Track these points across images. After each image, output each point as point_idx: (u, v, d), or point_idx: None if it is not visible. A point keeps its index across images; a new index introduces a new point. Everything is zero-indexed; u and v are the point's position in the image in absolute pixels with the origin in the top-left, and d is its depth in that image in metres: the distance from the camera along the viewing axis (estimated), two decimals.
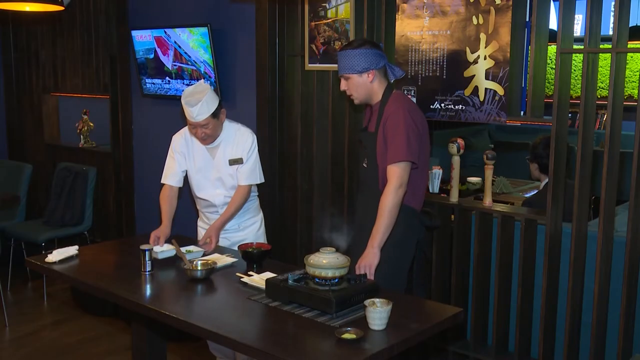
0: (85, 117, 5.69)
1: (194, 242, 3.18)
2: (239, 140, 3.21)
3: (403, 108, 2.77)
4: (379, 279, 2.64)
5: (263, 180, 3.29)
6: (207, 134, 3.11)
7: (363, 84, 2.82)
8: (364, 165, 2.95)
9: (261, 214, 3.46)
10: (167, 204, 3.24)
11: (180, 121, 4.88)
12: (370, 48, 2.79)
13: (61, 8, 3.59)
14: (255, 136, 3.26)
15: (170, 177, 3.27)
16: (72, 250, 2.92)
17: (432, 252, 3.49)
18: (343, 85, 2.86)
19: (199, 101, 3.01)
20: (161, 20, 4.83)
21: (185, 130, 3.28)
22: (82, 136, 5.71)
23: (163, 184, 3.29)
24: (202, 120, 3.04)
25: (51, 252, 2.88)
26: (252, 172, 3.22)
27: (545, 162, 3.46)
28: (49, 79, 5.89)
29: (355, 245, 2.93)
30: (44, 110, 6.01)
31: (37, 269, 2.88)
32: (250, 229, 3.36)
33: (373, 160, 2.85)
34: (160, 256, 2.85)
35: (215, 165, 3.22)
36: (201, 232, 3.41)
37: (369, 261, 2.65)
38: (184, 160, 3.26)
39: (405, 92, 3.52)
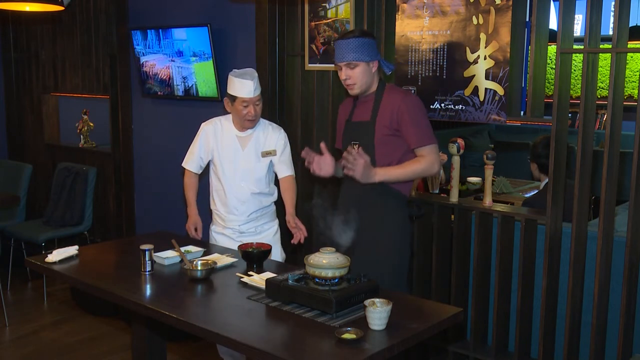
0: (85, 117, 5.69)
1: (194, 242, 3.18)
2: (271, 133, 3.30)
3: (413, 96, 2.89)
4: (386, 272, 2.75)
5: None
6: (258, 113, 3.20)
7: (369, 73, 2.86)
8: None
9: (277, 220, 3.46)
10: (192, 191, 3.39)
11: (181, 121, 4.90)
12: (373, 38, 2.87)
13: (61, 8, 3.59)
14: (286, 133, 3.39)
15: (191, 162, 3.36)
16: (72, 250, 2.92)
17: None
18: (345, 74, 2.85)
19: (254, 77, 3.15)
20: (161, 20, 4.83)
21: (215, 120, 3.32)
22: (82, 136, 5.71)
23: (184, 169, 3.40)
24: (258, 95, 3.15)
25: (51, 252, 2.88)
26: (291, 162, 3.37)
27: (545, 162, 3.47)
28: (49, 79, 5.89)
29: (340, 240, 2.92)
30: (44, 110, 6.01)
31: (37, 269, 2.88)
32: (266, 233, 3.36)
33: (368, 148, 2.86)
34: (166, 262, 2.83)
35: (244, 156, 3.25)
36: (215, 237, 3.37)
37: (362, 169, 2.68)
38: (209, 149, 3.29)
39: None
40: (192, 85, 4.64)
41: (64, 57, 5.69)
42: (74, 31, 5.54)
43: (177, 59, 4.68)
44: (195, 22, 4.52)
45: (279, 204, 3.41)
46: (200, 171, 3.40)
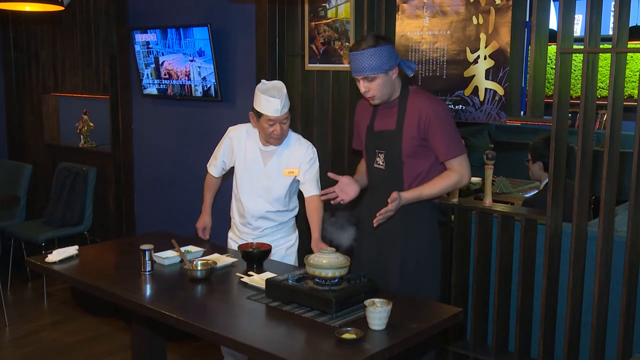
0: (85, 117, 5.69)
1: (194, 242, 3.17)
2: (297, 150, 3.06)
3: (441, 102, 2.79)
4: (419, 280, 2.75)
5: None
6: (285, 131, 2.99)
7: (389, 83, 2.71)
8: (377, 166, 2.86)
9: (296, 233, 3.27)
10: (209, 193, 3.31)
11: (181, 121, 4.89)
12: (389, 44, 2.70)
13: (61, 8, 3.59)
14: (315, 150, 3.12)
15: (213, 167, 3.24)
16: (72, 250, 2.92)
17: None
18: (364, 87, 2.70)
19: (283, 94, 2.92)
20: (161, 20, 4.83)
21: (242, 128, 3.14)
22: (82, 136, 5.71)
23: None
24: (286, 113, 2.93)
25: (51, 252, 2.88)
26: (317, 181, 3.08)
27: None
28: (49, 79, 5.89)
29: (361, 250, 2.93)
30: (44, 110, 6.01)
31: (37, 269, 2.88)
32: (281, 247, 3.17)
33: (395, 159, 2.78)
34: (166, 262, 2.83)
35: (265, 172, 3.06)
36: (230, 244, 3.27)
37: (390, 207, 2.61)
38: (232, 156, 3.14)
39: None
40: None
41: (64, 57, 5.69)
42: (74, 31, 5.54)
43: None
44: (195, 22, 4.52)
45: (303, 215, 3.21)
46: (222, 174, 3.27)
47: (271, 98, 2.89)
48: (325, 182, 3.37)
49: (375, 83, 2.68)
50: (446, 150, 2.70)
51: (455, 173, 2.72)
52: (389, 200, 2.60)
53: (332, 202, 2.83)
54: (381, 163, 2.84)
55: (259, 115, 2.95)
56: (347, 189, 2.82)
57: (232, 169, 3.22)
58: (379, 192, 2.84)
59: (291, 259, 3.21)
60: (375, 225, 2.67)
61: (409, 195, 2.68)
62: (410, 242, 2.79)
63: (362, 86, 2.71)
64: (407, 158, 2.75)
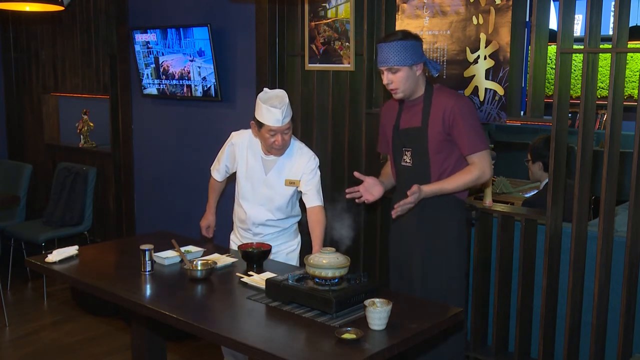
0: (85, 117, 5.70)
1: (194, 242, 3.17)
2: (299, 160, 3.01)
3: (465, 98, 2.82)
4: (445, 279, 2.77)
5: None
6: (287, 141, 2.93)
7: (412, 77, 2.76)
8: (404, 164, 2.89)
9: (298, 239, 3.25)
10: (213, 194, 3.32)
11: (181, 121, 4.89)
12: (417, 40, 2.76)
13: (61, 8, 3.59)
14: (318, 160, 3.07)
15: (216, 171, 3.23)
16: (72, 250, 2.92)
17: None
18: (387, 79, 2.75)
19: (285, 103, 2.86)
20: (161, 20, 4.83)
21: (245, 135, 3.09)
22: (82, 136, 5.71)
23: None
24: (287, 123, 2.88)
25: (51, 252, 2.88)
26: (319, 192, 3.02)
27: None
28: (49, 79, 5.89)
29: (395, 251, 2.96)
30: (44, 110, 6.01)
31: (37, 269, 2.88)
32: (281, 252, 3.15)
33: (422, 155, 2.81)
34: (166, 262, 2.83)
35: (266, 182, 3.03)
36: (233, 246, 3.25)
37: (409, 199, 2.64)
38: (235, 162, 3.11)
39: None
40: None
41: (64, 57, 5.69)
42: (74, 31, 5.54)
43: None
44: (195, 22, 4.52)
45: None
46: (225, 177, 3.25)
47: (272, 108, 2.83)
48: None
49: (398, 75, 2.73)
50: (469, 144, 2.73)
51: (477, 168, 2.74)
52: (408, 193, 2.62)
53: (356, 201, 2.85)
54: (408, 160, 2.87)
55: (260, 125, 2.90)
56: (372, 189, 2.84)
57: (235, 173, 3.20)
58: (407, 189, 2.83)
59: (292, 263, 3.17)
60: (394, 216, 2.68)
61: (429, 189, 2.71)
62: (439, 235, 2.83)
63: (386, 78, 2.76)
64: (433, 154, 2.79)
